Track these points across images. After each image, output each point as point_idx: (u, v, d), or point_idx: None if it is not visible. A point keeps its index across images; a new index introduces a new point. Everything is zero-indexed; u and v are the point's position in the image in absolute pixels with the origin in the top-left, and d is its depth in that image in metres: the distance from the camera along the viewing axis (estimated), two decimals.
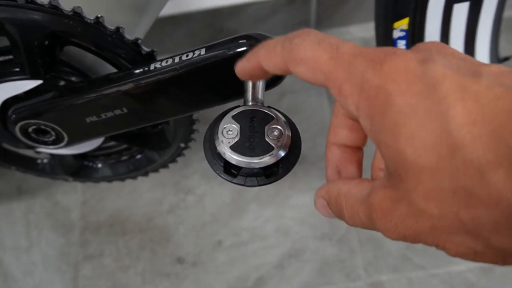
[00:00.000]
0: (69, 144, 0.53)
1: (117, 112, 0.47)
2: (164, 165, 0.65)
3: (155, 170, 0.66)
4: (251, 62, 0.29)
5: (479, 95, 0.19)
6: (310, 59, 0.25)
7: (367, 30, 1.05)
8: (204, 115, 0.55)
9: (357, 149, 0.30)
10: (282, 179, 0.33)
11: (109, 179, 0.68)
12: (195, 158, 0.95)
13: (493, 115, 0.19)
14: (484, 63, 0.22)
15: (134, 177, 0.68)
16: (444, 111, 0.20)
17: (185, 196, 0.93)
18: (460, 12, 0.50)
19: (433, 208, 0.20)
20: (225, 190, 0.93)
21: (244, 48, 0.39)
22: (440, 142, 0.20)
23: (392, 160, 0.22)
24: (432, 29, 0.50)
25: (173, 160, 0.63)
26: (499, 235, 0.19)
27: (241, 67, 0.30)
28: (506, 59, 0.58)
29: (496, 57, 0.55)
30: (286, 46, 0.26)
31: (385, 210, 0.23)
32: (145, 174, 0.67)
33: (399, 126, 0.21)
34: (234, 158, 0.32)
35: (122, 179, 0.69)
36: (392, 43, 0.52)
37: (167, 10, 0.96)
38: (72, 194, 0.96)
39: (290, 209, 0.89)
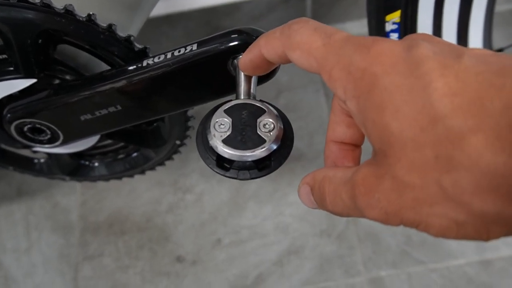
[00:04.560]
0: (64, 142, 0.53)
1: (111, 109, 0.47)
2: (161, 163, 0.65)
3: (152, 168, 0.66)
4: (253, 52, 0.30)
5: (460, 72, 0.20)
6: (305, 44, 0.26)
7: (363, 26, 1.05)
8: (199, 112, 0.55)
9: (355, 147, 0.30)
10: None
11: (106, 178, 0.69)
12: (192, 156, 0.95)
13: (473, 88, 0.20)
14: (468, 47, 0.23)
15: (131, 175, 0.68)
16: (426, 86, 0.20)
17: (183, 195, 0.94)
18: (452, 4, 0.50)
19: (415, 179, 0.21)
20: (223, 188, 0.93)
21: (236, 43, 0.39)
22: (422, 114, 0.20)
23: (378, 137, 0.22)
24: (424, 22, 0.50)
25: (169, 157, 0.63)
26: (481, 198, 0.20)
27: (243, 59, 0.31)
28: (499, 50, 0.58)
29: (489, 49, 0.55)
30: (285, 32, 0.27)
31: (369, 185, 0.23)
32: (142, 172, 0.67)
33: (384, 103, 0.22)
34: (226, 151, 0.32)
35: (119, 178, 0.69)
36: (385, 36, 0.52)
37: (163, 9, 0.96)
38: (71, 195, 0.96)
39: (288, 206, 0.89)
